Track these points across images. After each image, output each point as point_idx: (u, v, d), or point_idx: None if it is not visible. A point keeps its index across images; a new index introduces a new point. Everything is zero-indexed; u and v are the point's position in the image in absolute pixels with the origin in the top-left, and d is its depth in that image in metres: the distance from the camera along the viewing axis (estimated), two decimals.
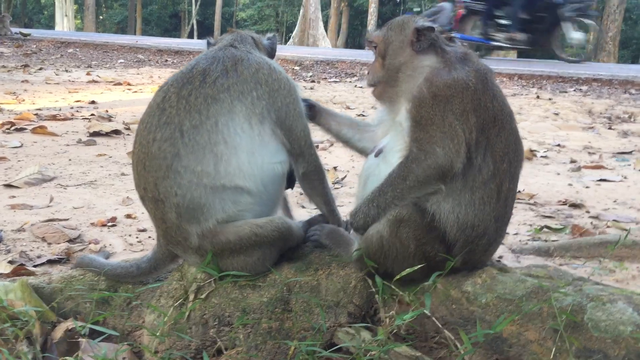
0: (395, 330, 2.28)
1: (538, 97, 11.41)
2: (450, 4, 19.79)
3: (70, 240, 3.60)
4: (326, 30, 38.45)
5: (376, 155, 2.44)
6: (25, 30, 25.03)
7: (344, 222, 2.68)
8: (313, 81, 13.63)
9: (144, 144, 2.32)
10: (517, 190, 4.93)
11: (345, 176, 5.40)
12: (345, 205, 4.05)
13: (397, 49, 2.40)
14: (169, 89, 2.37)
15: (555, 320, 2.05)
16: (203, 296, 2.39)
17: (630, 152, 7.02)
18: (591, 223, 4.26)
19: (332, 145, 6.56)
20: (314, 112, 2.69)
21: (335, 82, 13.55)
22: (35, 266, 3.21)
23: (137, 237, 3.73)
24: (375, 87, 2.49)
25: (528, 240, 3.92)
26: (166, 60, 17.91)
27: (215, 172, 2.27)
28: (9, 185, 4.72)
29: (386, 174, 2.28)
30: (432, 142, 2.17)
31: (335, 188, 5.05)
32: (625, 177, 5.70)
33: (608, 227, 4.17)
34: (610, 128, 8.75)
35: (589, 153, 7.03)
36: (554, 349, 2.04)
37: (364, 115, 8.59)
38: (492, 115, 2.23)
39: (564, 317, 2.03)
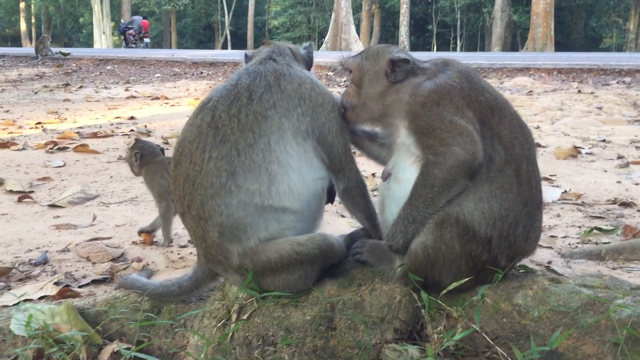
0: (444, 347, 2.20)
1: (579, 91, 11.11)
2: (140, 17, 38.70)
3: (114, 259, 3.63)
4: (358, 34, 38.41)
5: (385, 179, 2.41)
6: (65, 50, 25.79)
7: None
8: (347, 86, 13.58)
9: (197, 162, 2.28)
10: (564, 191, 4.85)
11: None
12: None
13: (372, 79, 2.41)
14: (216, 106, 2.33)
15: (615, 334, 1.95)
16: (245, 316, 2.36)
17: None
18: None
19: None
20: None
21: None
22: (80, 287, 3.24)
23: (178, 254, 3.74)
24: (350, 110, 2.48)
25: (577, 243, 3.78)
26: (201, 73, 18.15)
27: (268, 192, 2.25)
28: (53, 205, 4.82)
29: (400, 193, 2.26)
30: (444, 144, 2.14)
31: (374, 195, 4.98)
32: None
33: None
34: None
35: (637, 147, 6.79)
36: None
37: None
38: (488, 106, 2.24)
39: (625, 331, 1.92)
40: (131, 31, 37.56)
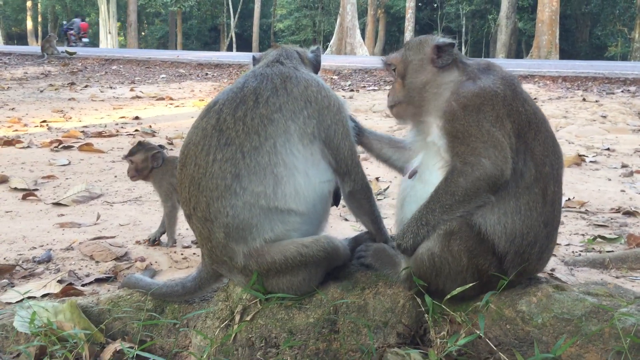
0: (447, 352, 2.20)
1: (584, 99, 11.10)
2: (79, 19, 42.84)
3: (117, 258, 3.63)
4: (363, 38, 38.47)
5: (410, 177, 2.40)
6: (71, 49, 25.85)
7: (391, 239, 2.62)
8: (352, 90, 13.60)
9: (202, 164, 2.30)
10: (567, 198, 4.84)
11: (387, 187, 5.33)
12: (389, 217, 3.98)
13: (417, 67, 2.38)
14: (222, 109, 2.34)
15: (619, 342, 1.95)
16: (249, 317, 2.36)
17: None
18: None
19: None
20: (356, 131, 2.65)
21: (374, 90, 13.49)
22: (83, 285, 3.24)
23: (182, 254, 3.74)
24: (395, 106, 2.46)
25: (581, 251, 3.77)
26: (206, 74, 18.17)
27: (274, 194, 2.26)
28: (57, 204, 4.83)
29: (423, 194, 2.24)
30: (475, 154, 2.11)
31: (378, 199, 4.98)
32: None
33: None
34: None
35: None
36: None
37: None
38: (526, 119, 2.21)
39: (628, 339, 1.92)
40: (72, 32, 41.44)
